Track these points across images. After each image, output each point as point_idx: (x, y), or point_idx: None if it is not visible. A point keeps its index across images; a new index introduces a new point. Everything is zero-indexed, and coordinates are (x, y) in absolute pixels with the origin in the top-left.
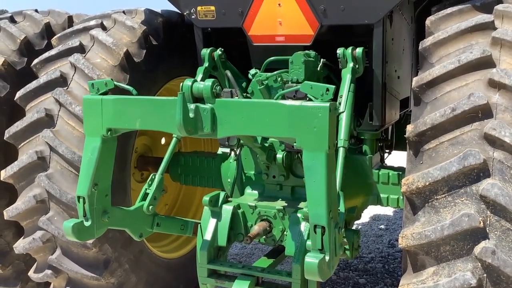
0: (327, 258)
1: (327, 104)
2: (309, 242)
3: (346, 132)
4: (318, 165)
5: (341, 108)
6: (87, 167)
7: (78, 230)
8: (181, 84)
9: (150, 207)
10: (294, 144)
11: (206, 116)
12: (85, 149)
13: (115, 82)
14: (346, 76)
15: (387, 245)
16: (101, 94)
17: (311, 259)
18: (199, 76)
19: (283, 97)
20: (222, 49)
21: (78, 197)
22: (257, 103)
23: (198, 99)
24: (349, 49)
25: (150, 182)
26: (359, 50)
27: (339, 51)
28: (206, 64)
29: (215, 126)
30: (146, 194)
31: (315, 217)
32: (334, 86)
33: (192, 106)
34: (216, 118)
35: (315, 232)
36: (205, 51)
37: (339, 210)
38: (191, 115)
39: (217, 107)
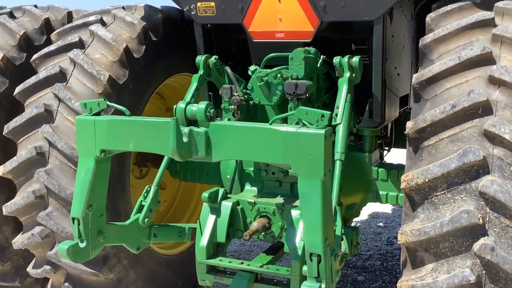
0: (323, 286)
1: (323, 131)
2: (305, 268)
3: (342, 145)
4: (313, 193)
5: (338, 120)
6: (81, 188)
7: (73, 252)
8: (174, 107)
9: (146, 219)
10: (290, 170)
11: (200, 140)
12: (78, 170)
13: (108, 102)
14: (343, 87)
15: (385, 243)
16: (94, 115)
17: None
18: (194, 85)
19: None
20: (217, 57)
21: (73, 219)
22: (252, 128)
23: (192, 121)
24: (346, 58)
25: (145, 194)
26: (355, 59)
27: (336, 60)
28: (201, 72)
29: (210, 149)
30: (141, 206)
31: (311, 245)
32: (329, 112)
33: (186, 129)
34: (210, 142)
35: (311, 260)
36: (200, 59)
37: (335, 226)
38: (185, 139)
39: (211, 130)
